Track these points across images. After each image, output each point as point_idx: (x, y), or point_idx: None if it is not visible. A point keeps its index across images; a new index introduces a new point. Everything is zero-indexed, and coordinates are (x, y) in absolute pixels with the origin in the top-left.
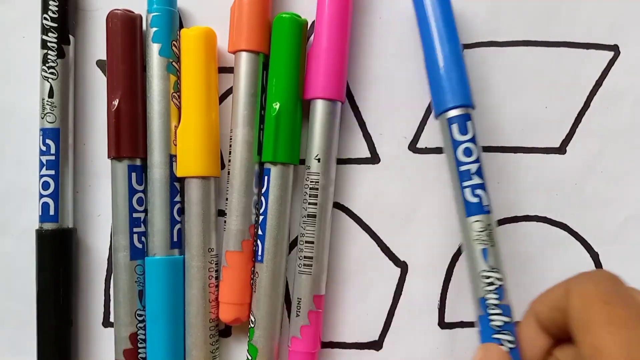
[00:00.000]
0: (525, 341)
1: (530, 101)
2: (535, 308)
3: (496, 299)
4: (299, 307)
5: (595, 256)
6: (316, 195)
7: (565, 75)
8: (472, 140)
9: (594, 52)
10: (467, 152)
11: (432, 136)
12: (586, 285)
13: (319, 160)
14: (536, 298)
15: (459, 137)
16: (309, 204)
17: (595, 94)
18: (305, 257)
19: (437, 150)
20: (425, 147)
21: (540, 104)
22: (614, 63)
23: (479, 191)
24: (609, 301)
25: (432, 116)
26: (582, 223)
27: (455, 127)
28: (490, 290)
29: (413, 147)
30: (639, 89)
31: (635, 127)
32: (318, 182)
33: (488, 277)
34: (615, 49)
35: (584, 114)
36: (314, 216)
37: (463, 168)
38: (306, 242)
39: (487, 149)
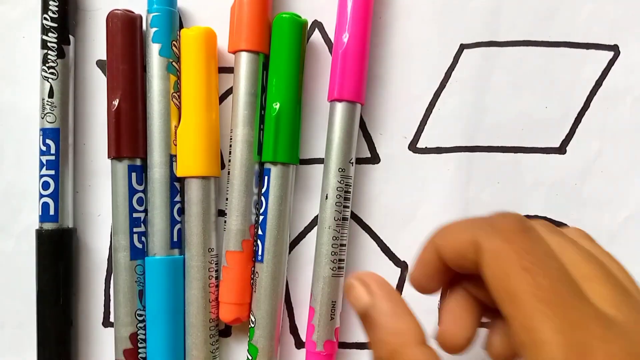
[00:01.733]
0: (425, 266)
1: (530, 101)
2: (438, 245)
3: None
4: (333, 311)
5: None
6: (349, 198)
7: (565, 75)
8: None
9: (594, 52)
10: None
11: (432, 136)
12: (496, 242)
13: (352, 163)
14: (437, 234)
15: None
16: (344, 207)
17: (595, 94)
18: (339, 260)
19: (437, 150)
20: (425, 147)
21: (540, 104)
22: (614, 63)
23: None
24: (527, 267)
25: (432, 116)
26: (581, 223)
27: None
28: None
29: (413, 147)
30: (639, 89)
31: (635, 127)
32: (351, 185)
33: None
34: (615, 49)
35: (584, 114)
36: (347, 219)
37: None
38: (340, 245)
39: (487, 149)
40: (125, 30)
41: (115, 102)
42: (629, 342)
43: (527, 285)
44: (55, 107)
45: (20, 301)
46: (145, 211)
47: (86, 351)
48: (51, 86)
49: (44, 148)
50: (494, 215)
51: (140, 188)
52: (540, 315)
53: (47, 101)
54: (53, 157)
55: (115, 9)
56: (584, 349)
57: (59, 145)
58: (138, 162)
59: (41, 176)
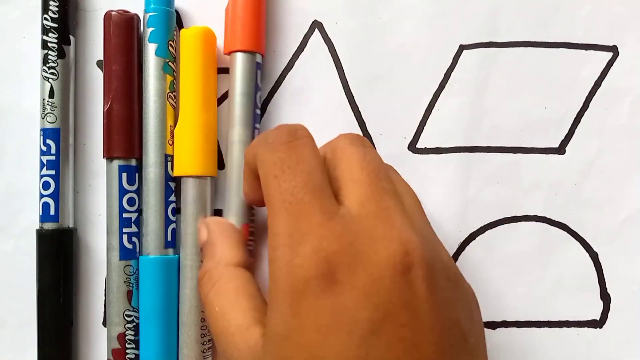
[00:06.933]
0: (247, 181)
1: (529, 101)
2: (247, 161)
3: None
4: None
5: (594, 256)
6: None
7: (565, 75)
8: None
9: (593, 53)
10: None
11: (432, 136)
12: (262, 152)
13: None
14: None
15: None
16: None
17: (594, 95)
18: None
19: (437, 150)
20: (425, 147)
21: (539, 104)
22: (612, 63)
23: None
24: (276, 175)
25: (432, 116)
26: (581, 223)
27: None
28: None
29: (413, 147)
30: (638, 90)
31: (634, 127)
32: None
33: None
34: (614, 49)
35: (583, 114)
36: None
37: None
38: None
39: (487, 149)
40: (120, 31)
41: (108, 103)
42: (344, 224)
43: (274, 190)
44: (56, 107)
45: (21, 301)
46: (139, 211)
47: (86, 350)
48: (51, 86)
49: (44, 148)
50: (275, 128)
51: (132, 188)
52: (278, 213)
53: (48, 101)
54: (53, 157)
55: (111, 10)
56: (302, 234)
57: (60, 146)
58: (133, 162)
59: (41, 176)
